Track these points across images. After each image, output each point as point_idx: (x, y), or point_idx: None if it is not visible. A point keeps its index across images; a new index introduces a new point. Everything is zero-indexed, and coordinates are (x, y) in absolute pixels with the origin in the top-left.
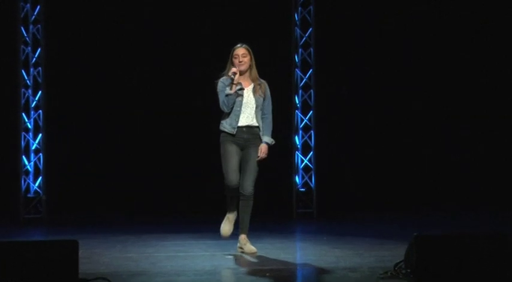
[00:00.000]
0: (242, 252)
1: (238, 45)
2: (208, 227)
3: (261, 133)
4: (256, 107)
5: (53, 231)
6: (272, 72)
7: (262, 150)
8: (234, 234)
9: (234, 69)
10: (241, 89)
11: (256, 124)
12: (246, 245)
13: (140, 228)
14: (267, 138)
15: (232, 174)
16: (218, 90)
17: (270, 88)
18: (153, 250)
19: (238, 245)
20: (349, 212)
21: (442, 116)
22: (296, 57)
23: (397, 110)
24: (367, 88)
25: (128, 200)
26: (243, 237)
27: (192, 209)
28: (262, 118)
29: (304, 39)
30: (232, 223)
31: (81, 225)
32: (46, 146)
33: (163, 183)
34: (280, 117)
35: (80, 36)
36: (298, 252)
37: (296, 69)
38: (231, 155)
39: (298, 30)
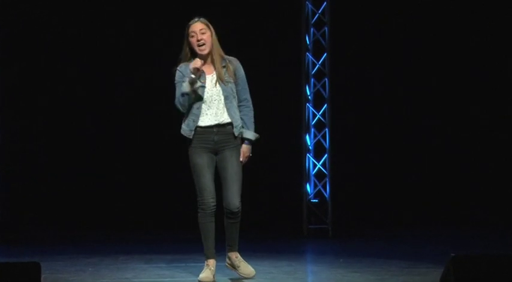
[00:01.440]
0: (237, 272)
1: (195, 19)
2: (198, 247)
3: (235, 130)
4: (226, 99)
5: (9, 251)
6: (277, 57)
7: (244, 152)
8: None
9: (196, 63)
10: (203, 86)
11: (228, 120)
12: (241, 265)
13: (116, 248)
14: (248, 134)
15: (207, 194)
16: (175, 82)
17: (274, 76)
18: (132, 275)
19: (228, 261)
20: (372, 229)
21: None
22: (307, 38)
23: (437, 106)
24: (396, 76)
25: (102, 213)
26: (234, 256)
27: (179, 225)
28: (238, 107)
29: (317, 16)
30: (214, 271)
31: (43, 244)
32: (0, 149)
33: (143, 193)
34: (287, 112)
35: (41, 14)
36: (309, 277)
37: (307, 53)
38: (203, 170)
39: (309, 5)
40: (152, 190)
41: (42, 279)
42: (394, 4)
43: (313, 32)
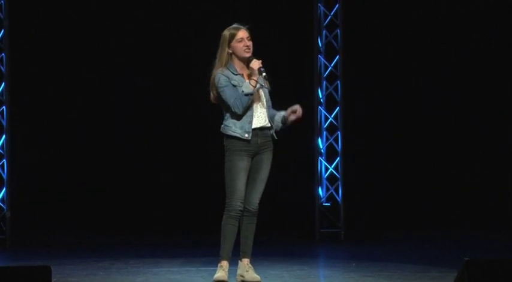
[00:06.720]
0: (243, 280)
1: (239, 26)
2: (210, 251)
3: (273, 133)
4: (267, 102)
5: (20, 255)
6: (289, 59)
7: (298, 110)
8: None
9: (258, 63)
10: (262, 85)
11: (269, 125)
12: (249, 271)
13: (127, 252)
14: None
15: (237, 197)
16: (220, 85)
17: (286, 78)
18: (143, 279)
19: (239, 272)
20: (384, 233)
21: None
22: (319, 40)
23: (451, 108)
24: (409, 78)
25: (113, 217)
26: (245, 262)
27: (190, 228)
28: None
29: (329, 18)
30: (227, 272)
31: (54, 247)
32: (11, 150)
33: (154, 197)
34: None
35: (54, 14)
36: (321, 281)
37: (319, 56)
38: (240, 173)
39: (321, 7)
40: (164, 194)
41: None
42: (406, 6)
43: (326, 34)
